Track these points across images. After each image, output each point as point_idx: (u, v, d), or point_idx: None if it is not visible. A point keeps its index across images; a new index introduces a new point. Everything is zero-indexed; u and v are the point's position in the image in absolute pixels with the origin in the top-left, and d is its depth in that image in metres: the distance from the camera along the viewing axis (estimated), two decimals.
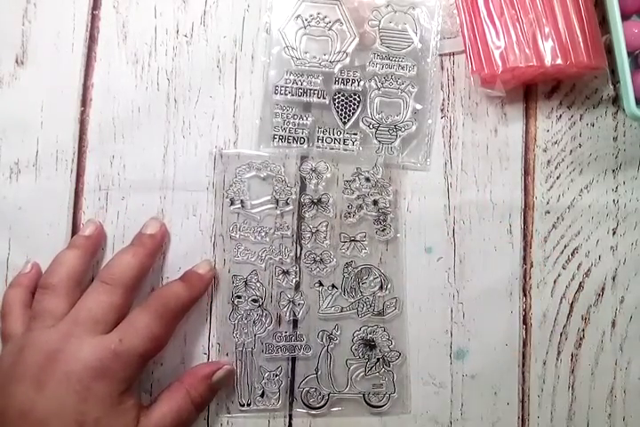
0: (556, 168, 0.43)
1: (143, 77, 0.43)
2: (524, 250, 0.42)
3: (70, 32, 0.43)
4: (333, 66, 0.42)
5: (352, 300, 0.41)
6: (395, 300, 0.41)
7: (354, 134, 0.42)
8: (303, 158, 0.42)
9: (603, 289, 0.42)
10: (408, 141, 0.43)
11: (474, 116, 0.43)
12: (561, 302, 0.42)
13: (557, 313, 0.42)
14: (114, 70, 0.43)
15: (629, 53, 0.40)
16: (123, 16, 0.43)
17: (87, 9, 0.43)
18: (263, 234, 0.41)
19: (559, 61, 0.40)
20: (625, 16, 0.40)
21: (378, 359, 0.40)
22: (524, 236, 0.42)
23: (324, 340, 0.40)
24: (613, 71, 0.42)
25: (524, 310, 0.42)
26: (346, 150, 0.42)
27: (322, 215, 0.41)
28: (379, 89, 0.43)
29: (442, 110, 0.43)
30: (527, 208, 0.43)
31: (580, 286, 0.42)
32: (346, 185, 0.41)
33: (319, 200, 0.41)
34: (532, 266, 0.42)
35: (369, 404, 0.40)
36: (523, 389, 0.42)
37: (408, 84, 0.43)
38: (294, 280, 0.41)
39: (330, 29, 0.43)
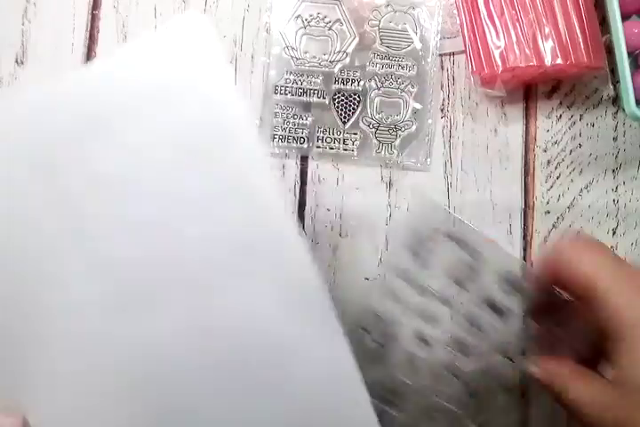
0: (556, 168, 0.43)
1: None
2: (524, 250, 0.42)
3: (70, 32, 0.43)
4: (333, 66, 0.42)
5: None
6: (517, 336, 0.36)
7: (354, 134, 0.42)
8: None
9: None
10: (408, 141, 0.43)
11: (474, 116, 0.43)
12: None
13: None
14: None
15: (629, 53, 0.40)
16: (123, 16, 0.43)
17: (87, 9, 0.43)
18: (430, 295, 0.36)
19: (559, 61, 0.40)
20: (625, 16, 0.40)
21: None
22: (524, 236, 0.42)
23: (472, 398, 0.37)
24: (613, 71, 0.42)
25: None
26: (346, 150, 0.42)
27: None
28: (379, 89, 0.43)
29: (442, 110, 0.43)
30: (527, 208, 0.43)
31: None
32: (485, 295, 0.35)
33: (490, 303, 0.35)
34: (532, 266, 0.42)
35: None
36: (523, 389, 0.41)
37: (408, 83, 0.43)
38: (432, 355, 0.36)
39: (330, 29, 0.43)
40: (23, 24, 0.43)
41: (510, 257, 0.35)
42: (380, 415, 0.31)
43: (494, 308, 0.34)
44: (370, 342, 0.36)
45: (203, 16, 0.29)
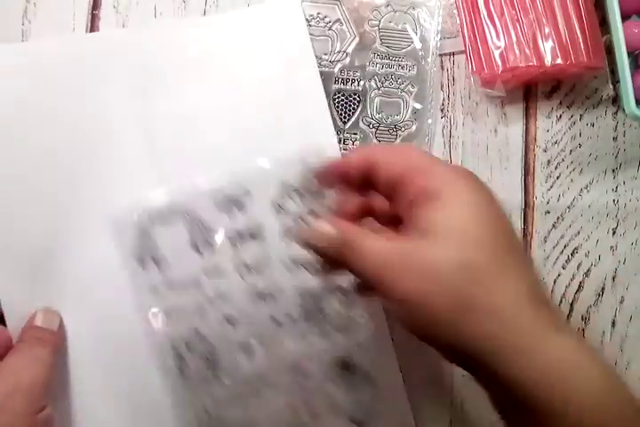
0: (556, 168, 0.43)
1: None
2: (524, 250, 0.42)
3: (70, 32, 0.43)
4: (333, 66, 0.42)
5: (316, 327, 0.36)
6: (360, 315, 0.37)
7: (354, 134, 0.42)
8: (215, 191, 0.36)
9: (603, 289, 0.42)
10: (408, 141, 0.43)
11: (474, 116, 0.43)
12: (561, 302, 0.42)
13: None
14: None
15: (629, 53, 0.40)
16: (123, 16, 0.43)
17: (87, 9, 0.43)
18: (193, 288, 0.34)
19: (559, 61, 0.40)
20: (625, 16, 0.40)
21: (360, 380, 0.37)
22: (524, 236, 0.42)
23: (298, 377, 0.36)
24: (613, 71, 0.42)
25: None
26: (346, 150, 0.42)
27: (255, 245, 0.35)
28: (379, 89, 0.43)
29: (442, 110, 0.43)
30: (527, 208, 0.43)
31: (580, 286, 0.42)
32: (275, 206, 0.35)
33: (249, 232, 0.34)
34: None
35: (353, 420, 0.36)
36: None
37: (408, 83, 0.43)
38: (243, 326, 0.35)
39: (330, 29, 0.43)
40: (23, 24, 0.43)
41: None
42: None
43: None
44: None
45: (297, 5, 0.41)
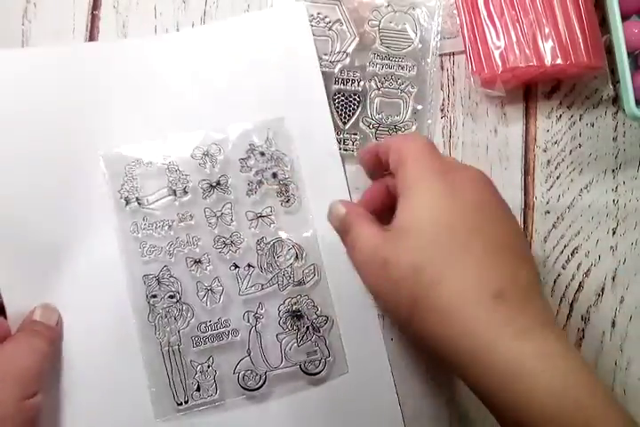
0: (556, 168, 0.43)
1: None
2: None
3: (70, 32, 0.43)
4: (333, 66, 0.42)
5: (270, 275, 0.40)
6: (313, 267, 0.40)
7: (354, 134, 0.42)
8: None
9: (603, 289, 0.42)
10: None
11: (474, 116, 0.43)
12: (561, 302, 0.42)
13: (557, 313, 0.42)
14: None
15: (629, 53, 0.40)
16: (123, 16, 0.43)
17: (87, 9, 0.43)
18: (167, 228, 0.39)
19: (559, 61, 0.40)
20: (625, 16, 0.40)
21: (307, 328, 0.40)
22: (524, 236, 0.42)
23: (251, 320, 0.39)
24: (613, 71, 0.42)
25: None
26: (346, 151, 0.42)
27: (223, 198, 0.40)
28: (378, 89, 0.43)
29: (442, 110, 0.43)
30: (527, 208, 0.43)
31: (580, 285, 0.42)
32: (242, 163, 0.40)
33: (218, 183, 0.40)
34: None
35: (307, 373, 0.39)
36: None
37: (408, 84, 0.43)
38: (208, 268, 0.40)
39: (330, 29, 0.43)
40: (23, 24, 0.43)
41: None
42: None
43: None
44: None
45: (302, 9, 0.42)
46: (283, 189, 0.41)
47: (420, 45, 0.43)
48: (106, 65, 0.41)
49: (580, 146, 0.43)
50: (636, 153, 0.43)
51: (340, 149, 0.42)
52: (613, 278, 0.42)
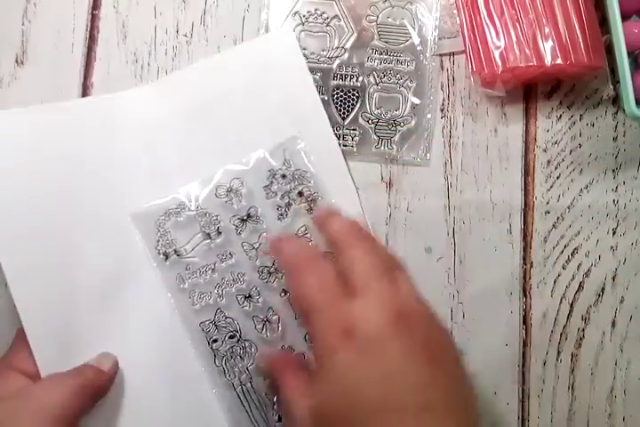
0: (556, 168, 0.43)
1: (143, 77, 0.43)
2: (524, 250, 0.42)
3: (70, 32, 0.43)
4: (332, 62, 0.42)
5: None
6: None
7: (353, 130, 0.42)
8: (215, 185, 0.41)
9: (603, 289, 0.42)
10: (407, 137, 0.43)
11: (474, 116, 0.43)
12: (561, 302, 0.42)
13: (557, 313, 0.42)
14: (113, 70, 0.43)
15: (629, 53, 0.40)
16: (123, 16, 0.43)
17: (87, 9, 0.43)
18: (210, 271, 0.39)
19: (559, 61, 0.40)
20: (625, 16, 0.40)
21: None
22: (524, 236, 0.42)
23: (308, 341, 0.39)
24: (613, 71, 0.42)
25: (524, 310, 0.42)
26: (345, 146, 0.42)
27: (256, 229, 0.40)
28: (377, 84, 0.43)
29: (442, 110, 0.43)
30: (527, 208, 0.43)
31: (580, 285, 0.42)
32: (266, 190, 0.40)
33: (248, 216, 0.40)
34: (532, 266, 0.42)
35: None
36: (523, 389, 0.41)
37: (406, 78, 0.43)
38: (259, 300, 0.39)
39: (328, 25, 0.43)
40: (23, 24, 0.43)
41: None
42: None
43: None
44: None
45: (291, 33, 0.42)
46: (312, 205, 0.40)
47: (418, 40, 0.43)
48: (105, 120, 0.40)
49: (580, 146, 0.43)
50: (636, 153, 0.43)
51: (339, 144, 0.42)
52: (613, 278, 0.42)
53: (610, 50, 0.41)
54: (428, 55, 0.43)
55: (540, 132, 0.43)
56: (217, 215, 0.40)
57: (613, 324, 0.42)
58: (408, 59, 0.43)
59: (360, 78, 0.42)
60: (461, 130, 0.43)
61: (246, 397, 0.39)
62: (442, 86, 0.43)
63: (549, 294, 0.42)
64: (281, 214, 0.40)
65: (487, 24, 0.41)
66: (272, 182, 0.40)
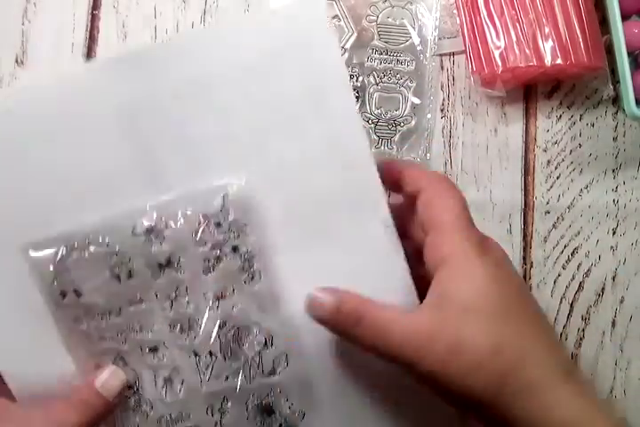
0: (556, 168, 0.43)
1: None
2: (524, 250, 0.42)
3: (70, 32, 0.43)
4: None
5: (236, 365, 0.34)
6: (285, 355, 0.34)
7: None
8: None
9: (603, 289, 0.42)
10: (407, 137, 0.43)
11: (474, 116, 0.43)
12: (561, 302, 0.42)
13: (557, 313, 0.42)
14: None
15: (629, 53, 0.40)
16: (123, 16, 0.43)
17: (87, 9, 0.43)
18: (114, 315, 0.34)
19: (559, 61, 0.40)
20: (625, 16, 0.40)
21: (280, 425, 0.34)
22: (524, 236, 0.42)
23: (215, 415, 0.34)
24: (613, 71, 0.42)
25: None
26: None
27: (176, 279, 0.34)
28: (377, 84, 0.43)
29: (442, 110, 0.43)
30: (527, 208, 0.43)
31: (580, 285, 0.42)
32: (194, 237, 0.34)
33: (168, 262, 0.33)
34: (532, 266, 0.42)
35: None
36: None
37: (406, 78, 0.43)
38: (165, 356, 0.34)
39: None
40: (23, 24, 0.43)
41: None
42: None
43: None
44: None
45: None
46: (245, 264, 0.34)
47: (418, 40, 0.43)
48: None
49: (580, 146, 0.43)
50: (636, 153, 0.43)
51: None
52: (613, 278, 0.42)
53: (610, 50, 0.41)
54: (428, 55, 0.43)
55: (540, 132, 0.43)
56: (130, 257, 0.33)
57: (613, 324, 0.42)
58: (408, 59, 0.43)
59: (360, 78, 0.42)
60: (461, 130, 0.43)
61: None
62: (442, 86, 0.43)
63: (549, 293, 0.42)
64: (207, 268, 0.34)
65: (487, 24, 0.41)
66: (203, 230, 0.34)
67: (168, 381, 0.34)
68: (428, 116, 0.43)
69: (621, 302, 0.42)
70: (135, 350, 0.34)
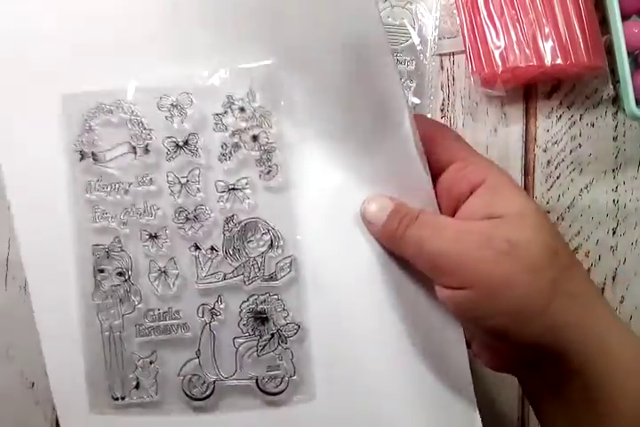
0: (556, 168, 0.43)
1: None
2: None
3: None
4: None
5: (236, 264, 0.32)
6: (289, 260, 0.32)
7: None
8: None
9: (603, 289, 0.42)
10: None
11: (474, 116, 0.43)
12: None
13: None
14: None
15: (629, 53, 0.40)
16: None
17: None
18: (123, 192, 0.32)
19: (559, 61, 0.40)
20: (625, 16, 0.40)
21: (272, 335, 0.33)
22: None
23: (206, 316, 0.33)
24: (613, 71, 0.42)
25: None
26: None
27: (191, 161, 0.32)
28: None
29: (442, 110, 0.43)
30: None
31: None
32: (216, 120, 0.32)
33: (185, 142, 0.32)
34: None
35: (263, 391, 0.32)
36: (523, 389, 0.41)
37: (406, 78, 0.43)
38: (164, 245, 0.32)
39: None
40: None
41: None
42: None
43: None
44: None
45: None
46: (264, 156, 0.32)
47: (418, 40, 0.43)
48: None
49: (580, 146, 0.43)
50: (636, 153, 0.43)
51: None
52: (613, 278, 0.42)
53: (610, 50, 0.41)
54: (428, 55, 0.43)
55: (540, 132, 0.43)
56: (151, 130, 0.32)
57: None
58: (408, 59, 0.43)
59: None
60: (461, 130, 0.43)
61: (110, 347, 0.33)
62: (442, 86, 0.43)
63: None
64: (224, 154, 0.32)
65: (487, 24, 0.41)
66: (226, 112, 0.32)
67: (163, 273, 0.33)
68: (428, 115, 0.43)
69: (621, 302, 0.42)
70: (135, 233, 0.33)
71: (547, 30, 0.40)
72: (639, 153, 0.43)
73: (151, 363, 0.33)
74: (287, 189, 0.32)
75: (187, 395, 0.32)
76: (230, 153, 0.32)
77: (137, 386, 0.33)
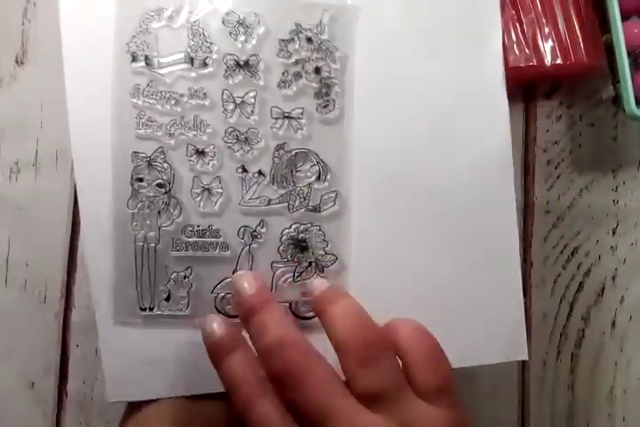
0: (555, 168, 0.43)
1: None
2: (524, 250, 0.42)
3: None
4: None
5: (283, 191, 0.33)
6: (335, 194, 0.33)
7: None
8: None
9: (603, 289, 0.42)
10: None
11: None
12: (561, 302, 0.42)
13: (557, 313, 0.42)
14: None
15: (629, 53, 0.40)
16: None
17: None
18: (173, 102, 0.32)
19: (559, 61, 0.40)
20: (625, 16, 0.40)
21: (310, 263, 0.33)
22: (524, 235, 0.42)
23: (246, 238, 0.33)
24: (613, 71, 0.42)
25: (524, 309, 0.42)
26: None
27: (249, 82, 0.32)
28: None
29: None
30: (527, 208, 0.43)
31: (580, 285, 0.42)
32: (281, 45, 0.32)
33: (246, 63, 0.32)
34: (531, 266, 0.42)
35: (296, 314, 0.33)
36: (523, 389, 0.41)
37: None
38: (211, 163, 0.32)
39: None
40: (23, 24, 0.43)
41: None
42: None
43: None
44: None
45: None
46: (324, 90, 0.32)
47: None
48: None
49: (580, 146, 0.43)
50: (636, 153, 0.43)
51: None
52: (613, 278, 0.42)
53: (610, 50, 0.41)
54: None
55: (540, 132, 0.43)
56: (212, 43, 0.32)
57: (613, 324, 0.42)
58: None
59: None
60: None
61: (143, 257, 0.33)
62: None
63: (549, 293, 0.42)
64: (284, 81, 0.32)
65: None
66: (292, 39, 0.32)
67: (206, 190, 0.32)
68: None
69: (621, 302, 0.42)
70: (181, 147, 0.32)
71: (547, 30, 0.40)
72: (639, 153, 0.43)
73: (185, 278, 0.33)
74: (341, 124, 0.33)
75: (219, 311, 0.33)
76: (290, 81, 0.32)
77: (167, 298, 0.33)
